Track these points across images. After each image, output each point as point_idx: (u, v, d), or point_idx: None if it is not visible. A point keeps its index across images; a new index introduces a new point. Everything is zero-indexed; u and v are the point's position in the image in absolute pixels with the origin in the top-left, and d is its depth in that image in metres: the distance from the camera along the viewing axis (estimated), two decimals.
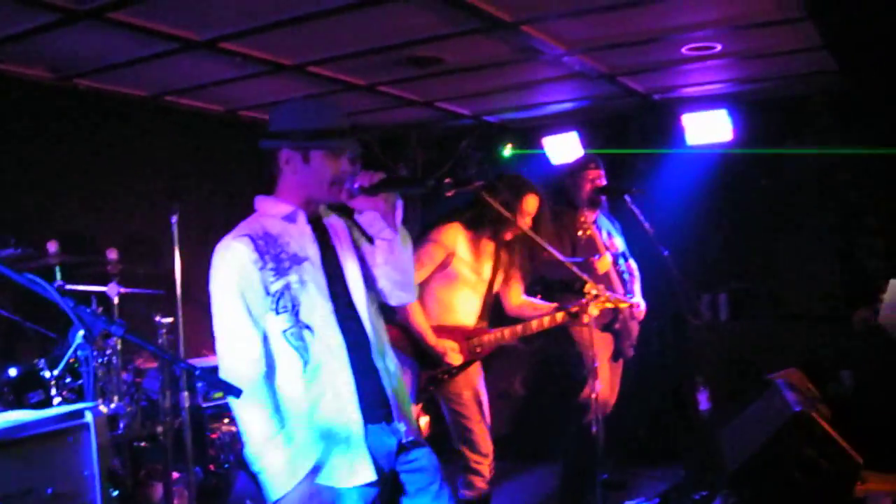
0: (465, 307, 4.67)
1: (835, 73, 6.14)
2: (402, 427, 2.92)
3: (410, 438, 2.95)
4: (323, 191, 2.89)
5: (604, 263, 5.27)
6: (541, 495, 6.11)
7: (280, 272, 2.77)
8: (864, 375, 6.00)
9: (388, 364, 2.97)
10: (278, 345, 2.78)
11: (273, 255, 2.78)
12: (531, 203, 4.74)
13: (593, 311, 4.68)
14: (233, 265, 2.75)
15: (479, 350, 4.66)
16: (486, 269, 4.74)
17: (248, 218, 2.92)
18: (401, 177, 2.84)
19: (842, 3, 4.83)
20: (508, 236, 4.73)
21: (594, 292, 4.70)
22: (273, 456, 2.70)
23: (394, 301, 3.13)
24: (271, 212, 2.91)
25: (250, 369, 2.72)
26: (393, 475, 2.92)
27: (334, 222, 3.06)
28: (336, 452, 2.76)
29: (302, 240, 2.88)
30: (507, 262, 4.81)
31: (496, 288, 4.84)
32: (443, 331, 4.57)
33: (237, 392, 2.25)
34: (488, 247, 4.73)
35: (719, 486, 4.90)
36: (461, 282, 4.63)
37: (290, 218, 2.89)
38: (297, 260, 2.82)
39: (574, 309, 4.72)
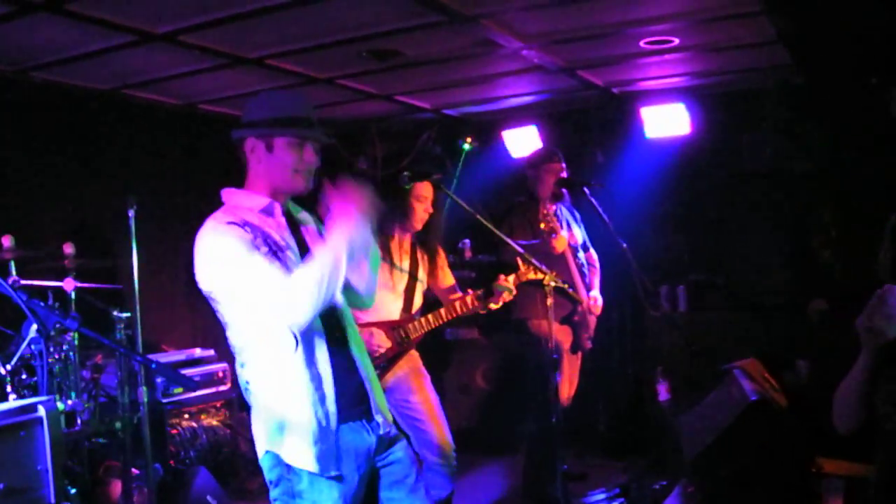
0: (385, 304, 4.56)
1: (790, 67, 6.21)
2: (379, 419, 2.92)
3: (388, 432, 2.95)
4: (286, 180, 2.88)
5: (560, 242, 5.28)
6: (503, 488, 6.14)
7: (271, 257, 2.74)
8: (819, 364, 6.09)
9: (364, 357, 2.98)
10: (275, 322, 2.75)
11: (262, 241, 2.76)
12: (423, 189, 4.61)
13: (507, 292, 4.64)
14: (234, 232, 2.73)
15: (405, 337, 4.57)
16: (405, 263, 4.66)
17: (222, 210, 2.89)
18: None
19: None
20: (418, 226, 4.66)
21: (553, 284, 4.72)
22: (331, 249, 2.71)
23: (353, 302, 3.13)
24: (246, 204, 2.88)
25: (291, 281, 2.69)
26: (372, 471, 2.92)
27: (303, 217, 3.06)
28: (310, 439, 2.75)
29: (281, 231, 2.87)
30: (426, 250, 4.76)
31: (422, 279, 4.76)
32: (366, 326, 4.49)
33: (194, 385, 2.23)
34: (404, 242, 4.68)
35: (678, 475, 4.95)
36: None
37: (266, 211, 2.88)
38: (281, 249, 2.80)
39: (498, 282, 4.68)
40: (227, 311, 2.82)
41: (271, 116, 2.87)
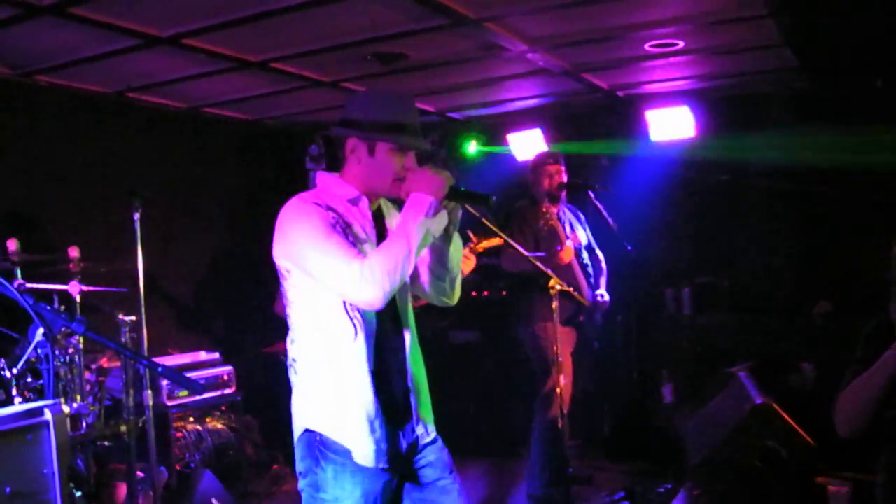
0: None
1: (796, 70, 6.21)
2: (419, 430, 2.94)
3: (426, 440, 2.97)
4: (385, 185, 2.87)
5: (567, 253, 5.30)
6: (507, 491, 6.13)
7: (348, 240, 2.75)
8: (825, 367, 6.08)
9: (418, 363, 2.99)
10: (338, 308, 2.76)
11: (342, 227, 2.76)
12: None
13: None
14: (316, 212, 2.74)
15: None
16: None
17: (311, 192, 2.89)
18: (467, 191, 2.83)
19: (803, 1, 4.88)
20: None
21: (558, 287, 4.73)
22: (404, 234, 2.69)
23: (434, 300, 3.12)
24: (336, 192, 2.88)
25: (364, 264, 2.66)
26: (399, 477, 2.92)
27: (393, 214, 3.05)
28: (357, 426, 2.76)
29: (364, 222, 2.87)
30: None
31: None
32: None
33: (199, 389, 2.23)
34: None
35: (683, 478, 4.95)
36: None
37: (353, 201, 2.88)
38: (360, 240, 2.80)
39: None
40: (294, 288, 2.83)
41: (378, 121, 2.84)
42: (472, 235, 4.69)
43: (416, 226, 2.67)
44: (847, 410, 2.93)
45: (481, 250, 4.73)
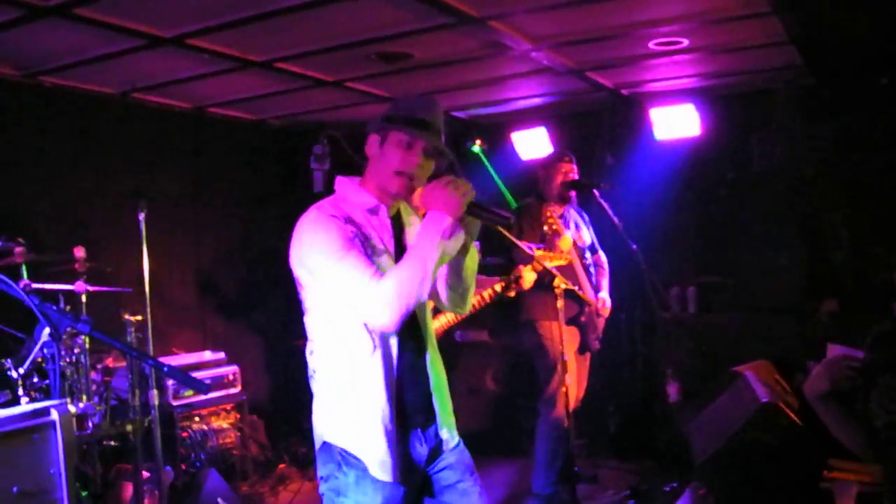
0: None
1: (800, 68, 6.19)
2: (444, 434, 2.94)
3: (451, 444, 2.97)
4: (388, 178, 2.84)
5: (564, 242, 5.28)
6: (513, 489, 6.13)
7: (366, 256, 2.74)
8: None
9: (437, 366, 2.98)
10: (356, 322, 2.75)
11: (360, 240, 2.76)
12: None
13: (528, 276, 4.79)
14: (334, 225, 2.73)
15: None
16: None
17: (329, 199, 2.88)
18: (486, 209, 2.82)
19: None
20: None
21: (563, 286, 4.72)
22: (432, 248, 2.67)
23: (448, 309, 3.13)
24: (354, 200, 2.88)
25: (380, 285, 2.65)
26: (421, 480, 2.93)
27: (413, 221, 3.04)
28: (374, 439, 2.76)
29: (382, 233, 2.86)
30: None
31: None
32: None
33: (205, 388, 2.23)
34: None
35: (689, 477, 4.94)
36: None
37: (372, 211, 2.88)
38: (378, 252, 2.80)
39: (512, 276, 4.82)
40: (311, 298, 2.83)
41: (393, 113, 2.87)
42: (534, 251, 4.73)
43: (434, 247, 2.66)
44: (847, 445, 2.92)
45: (541, 269, 4.78)
